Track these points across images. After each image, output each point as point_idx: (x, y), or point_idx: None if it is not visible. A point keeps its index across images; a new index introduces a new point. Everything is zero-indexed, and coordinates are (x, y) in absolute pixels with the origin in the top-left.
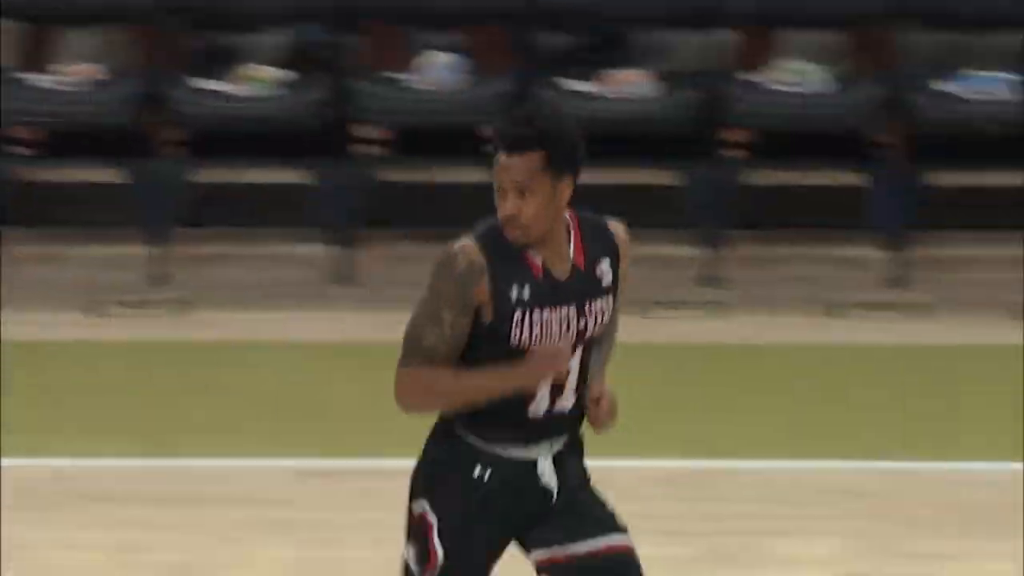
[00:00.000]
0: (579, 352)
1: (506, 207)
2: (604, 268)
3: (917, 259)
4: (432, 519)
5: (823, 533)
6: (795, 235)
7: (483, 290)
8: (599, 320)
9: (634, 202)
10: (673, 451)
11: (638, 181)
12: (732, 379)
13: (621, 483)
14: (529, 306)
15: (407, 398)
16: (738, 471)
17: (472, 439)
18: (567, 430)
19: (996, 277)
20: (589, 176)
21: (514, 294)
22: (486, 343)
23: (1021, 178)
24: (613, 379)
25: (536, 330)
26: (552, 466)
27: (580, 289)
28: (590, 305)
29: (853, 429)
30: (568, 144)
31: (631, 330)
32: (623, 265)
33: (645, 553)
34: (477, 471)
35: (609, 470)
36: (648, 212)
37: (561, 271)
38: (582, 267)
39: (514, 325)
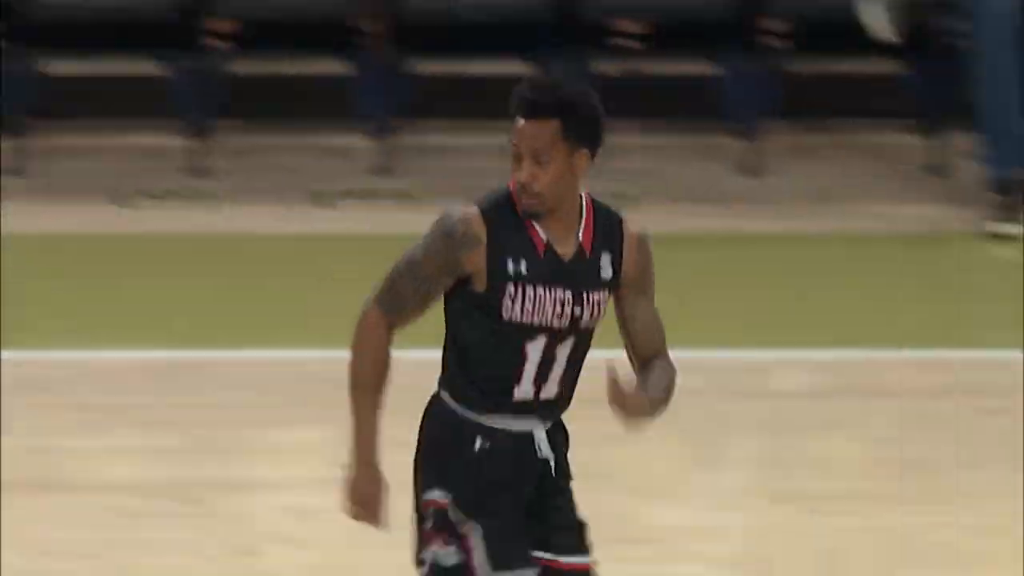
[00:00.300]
0: (570, 342)
1: (521, 174)
2: (606, 262)
3: (403, 147)
4: (446, 499)
5: (308, 421)
6: (281, 124)
7: (476, 259)
8: (595, 312)
9: (118, 95)
10: (156, 342)
11: (121, 72)
12: (206, 269)
13: (100, 372)
14: (524, 280)
15: (353, 342)
16: (218, 362)
17: (466, 413)
18: (557, 415)
19: (487, 166)
20: (79, 67)
21: (510, 267)
22: (478, 314)
23: (511, 67)
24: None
25: (528, 306)
26: (547, 440)
27: (580, 274)
28: (587, 294)
29: (333, 319)
30: (587, 116)
31: (116, 221)
32: (628, 265)
33: (131, 444)
34: (478, 443)
35: (84, 361)
36: (133, 102)
37: (565, 251)
38: (587, 252)
39: (505, 297)
